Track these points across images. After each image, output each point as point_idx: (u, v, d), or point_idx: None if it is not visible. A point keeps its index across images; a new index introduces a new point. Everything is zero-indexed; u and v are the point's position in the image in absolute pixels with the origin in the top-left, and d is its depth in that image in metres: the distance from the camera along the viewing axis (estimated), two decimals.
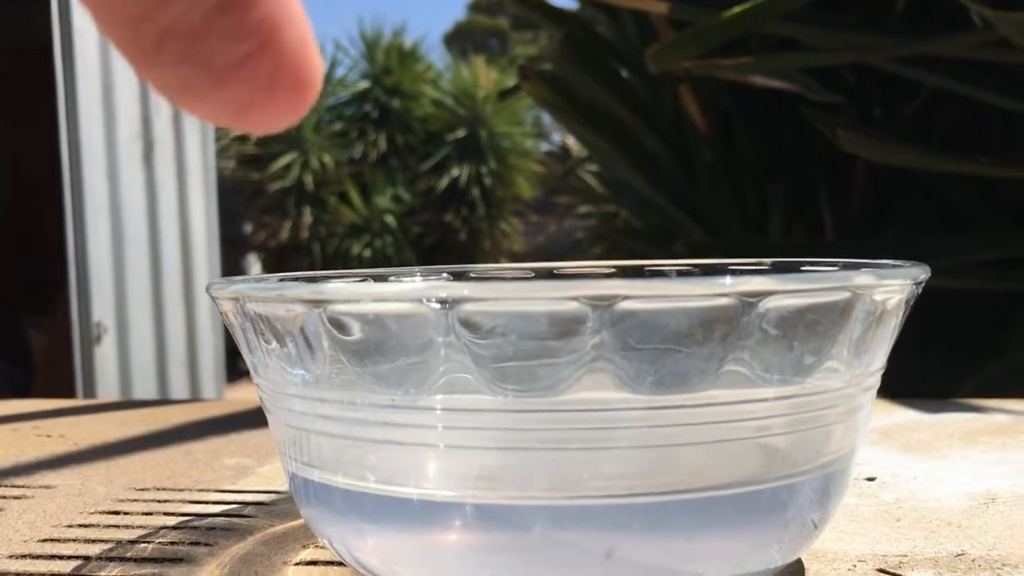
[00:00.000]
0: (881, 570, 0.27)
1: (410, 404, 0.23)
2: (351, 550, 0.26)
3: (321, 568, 0.29)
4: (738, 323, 0.21)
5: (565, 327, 0.21)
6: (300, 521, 0.33)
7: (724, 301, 0.21)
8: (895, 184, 1.12)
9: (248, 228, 6.00)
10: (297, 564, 0.30)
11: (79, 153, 2.22)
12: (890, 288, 0.23)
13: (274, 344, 0.25)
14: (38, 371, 2.27)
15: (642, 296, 0.20)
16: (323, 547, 0.31)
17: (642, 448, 0.22)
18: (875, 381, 0.26)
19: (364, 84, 5.90)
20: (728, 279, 0.21)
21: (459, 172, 5.78)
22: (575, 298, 0.20)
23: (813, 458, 0.24)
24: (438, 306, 0.21)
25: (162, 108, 2.54)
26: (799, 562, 0.28)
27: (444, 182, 5.79)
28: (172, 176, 2.61)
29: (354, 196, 5.73)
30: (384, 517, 0.25)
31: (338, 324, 0.23)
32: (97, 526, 0.34)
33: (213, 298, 0.26)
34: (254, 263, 6.02)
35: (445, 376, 0.22)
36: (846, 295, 0.22)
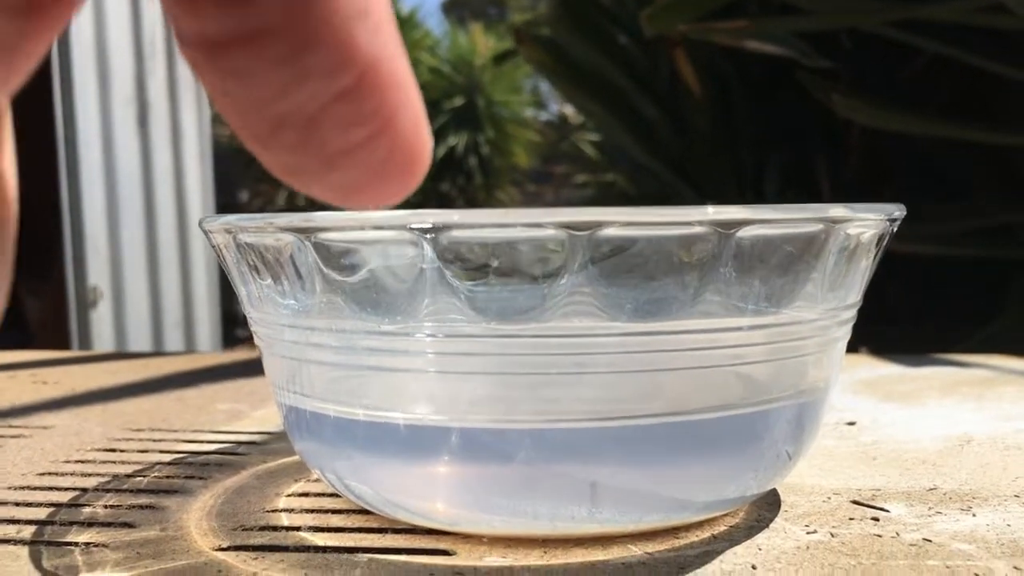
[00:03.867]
0: (855, 502, 0.28)
1: (398, 330, 0.23)
2: (342, 478, 0.27)
3: (313, 499, 0.30)
4: (714, 252, 0.22)
5: (546, 254, 0.22)
6: (293, 459, 0.34)
7: (700, 230, 0.21)
8: (892, 150, 1.13)
9: (244, 195, 5.99)
10: (289, 495, 0.30)
11: (73, 116, 2.21)
12: (864, 222, 0.24)
13: (266, 275, 0.25)
14: (34, 336, 2.28)
15: (621, 223, 0.21)
16: (315, 481, 0.32)
17: (620, 373, 0.23)
18: (850, 316, 0.26)
19: None
20: (705, 208, 0.21)
21: (456, 141, 5.77)
22: (555, 224, 0.21)
23: (788, 388, 0.25)
24: (423, 234, 0.22)
25: (156, 71, 2.53)
26: (775, 494, 0.29)
27: (441, 151, 5.78)
28: (167, 141, 2.60)
29: None
30: (373, 444, 0.26)
31: (327, 252, 0.23)
32: (93, 462, 0.35)
33: (206, 232, 0.27)
34: None
35: (432, 304, 0.23)
36: (820, 227, 0.23)
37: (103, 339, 2.33)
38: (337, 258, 0.23)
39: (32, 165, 2.21)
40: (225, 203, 4.00)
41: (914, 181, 1.15)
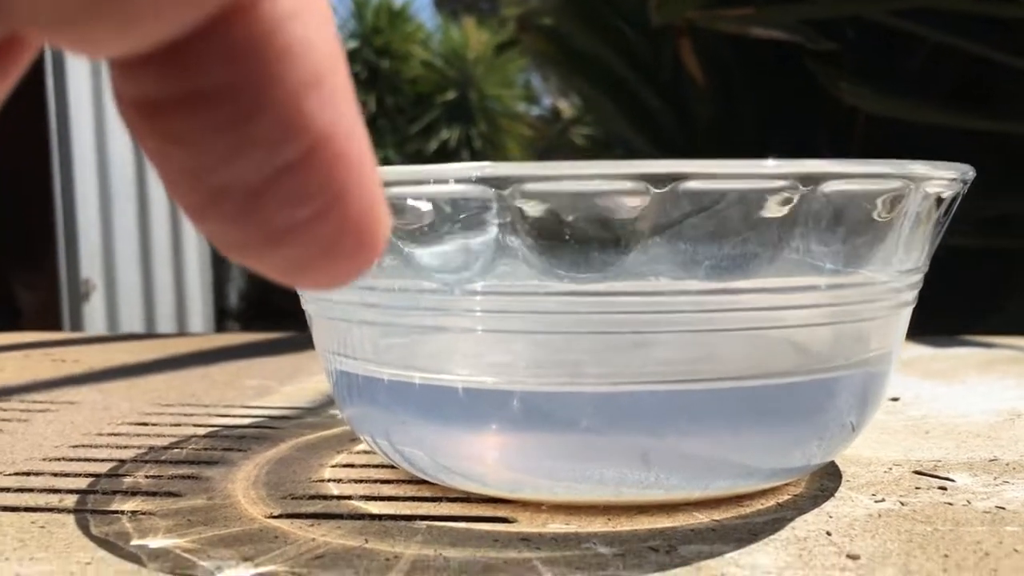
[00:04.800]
0: (918, 472, 0.28)
1: (458, 288, 0.23)
2: (396, 445, 0.26)
3: (359, 469, 0.29)
4: (795, 207, 0.21)
5: (620, 208, 0.21)
6: (331, 432, 0.33)
7: (782, 183, 0.21)
8: (896, 138, 1.12)
9: None
10: (334, 466, 0.30)
11: (66, 108, 2.20)
12: (942, 180, 0.23)
13: None
14: (27, 328, 2.26)
15: (702, 175, 0.20)
16: (358, 452, 0.31)
17: (695, 333, 0.22)
18: (919, 280, 0.26)
19: (353, 43, 5.85)
20: (786, 160, 0.21)
21: (449, 135, 5.75)
22: (633, 176, 0.20)
23: (856, 354, 0.25)
24: (491, 185, 0.21)
25: None
26: (834, 465, 0.29)
27: (434, 145, 5.76)
28: None
29: None
30: (430, 409, 0.25)
31: (392, 209, 0.22)
32: (127, 435, 0.34)
33: None
34: None
35: (497, 260, 0.22)
36: (901, 183, 0.22)
37: (95, 330, 2.32)
38: (396, 213, 0.22)
39: (25, 158, 2.19)
40: None
41: None
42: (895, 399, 0.37)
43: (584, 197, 0.21)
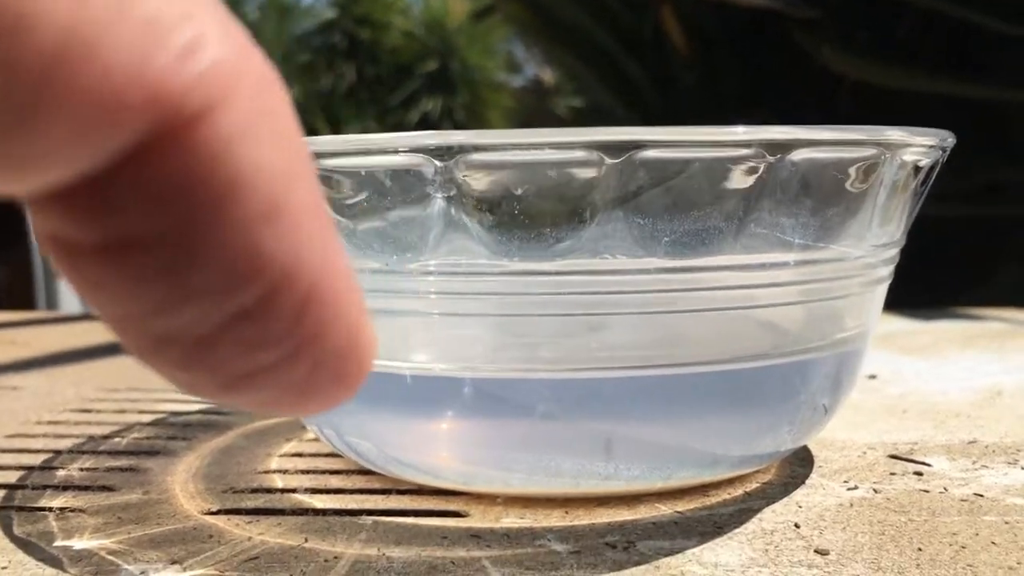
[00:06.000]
0: (893, 456, 0.26)
1: (403, 269, 0.21)
2: (342, 435, 0.24)
3: (308, 459, 0.28)
4: (761, 178, 0.19)
5: (574, 179, 0.19)
6: (282, 419, 0.32)
7: (746, 152, 0.19)
8: (883, 107, 1.11)
9: None
10: (282, 455, 0.28)
11: None
12: (920, 148, 0.22)
13: None
14: (1, 304, 2.23)
15: (661, 143, 0.19)
16: (309, 440, 0.29)
17: (654, 315, 0.21)
18: (894, 255, 0.24)
19: (331, 13, 5.78)
20: (751, 127, 0.19)
21: (430, 105, 5.70)
22: (586, 145, 0.19)
23: (829, 334, 0.23)
24: (435, 157, 0.19)
25: None
26: (805, 449, 0.27)
27: (415, 116, 5.71)
28: None
29: (322, 129, 5.64)
30: (377, 397, 0.23)
31: (325, 182, 0.21)
32: (67, 423, 0.32)
33: None
34: None
35: (443, 238, 0.21)
36: (874, 150, 0.21)
37: (71, 307, 2.29)
38: (334, 187, 0.21)
39: None
40: None
41: None
42: (872, 377, 0.36)
43: (534, 168, 0.19)
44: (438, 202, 0.20)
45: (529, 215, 0.20)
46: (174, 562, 0.20)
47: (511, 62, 6.18)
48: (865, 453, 0.27)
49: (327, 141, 0.20)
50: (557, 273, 0.20)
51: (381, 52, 5.87)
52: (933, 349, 0.41)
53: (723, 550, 0.20)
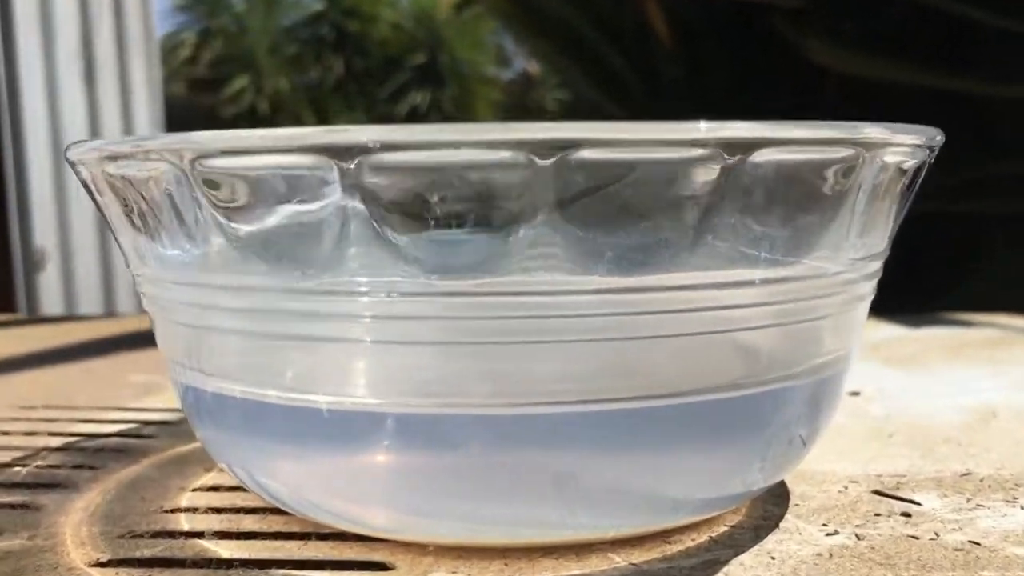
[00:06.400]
0: (878, 492, 0.23)
1: (313, 288, 0.18)
2: (253, 475, 0.22)
3: (224, 494, 0.25)
4: (719, 183, 0.17)
5: (499, 183, 0.16)
6: None
7: (701, 152, 0.16)
8: (869, 102, 1.08)
9: None
10: (195, 490, 0.25)
11: (15, 71, 2.11)
12: (904, 148, 0.19)
13: (147, 220, 0.20)
14: None
15: (601, 142, 0.16)
16: None
17: (598, 342, 0.18)
18: (877, 268, 0.21)
19: (319, 5, 5.73)
20: (707, 124, 0.16)
21: (419, 98, 5.66)
22: (511, 144, 0.16)
23: (805, 360, 0.20)
24: (340, 158, 0.16)
25: (103, 25, 2.42)
26: (781, 484, 0.24)
27: (403, 108, 5.67)
28: (115, 99, 2.49)
29: (310, 123, 5.59)
30: (291, 433, 0.20)
31: (214, 186, 0.18)
32: None
33: (71, 163, 0.21)
34: None
35: (356, 254, 0.18)
36: (851, 151, 0.18)
37: (51, 302, 2.25)
38: (220, 188, 0.18)
39: None
40: None
41: None
42: (855, 393, 0.33)
43: (451, 171, 0.16)
44: (341, 211, 0.17)
45: (448, 226, 0.17)
46: None
47: (500, 55, 6.14)
48: (847, 487, 0.24)
49: (214, 138, 0.17)
50: (479, 294, 0.17)
51: (369, 44, 5.82)
52: (920, 360, 0.38)
53: None
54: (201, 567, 0.20)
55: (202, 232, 0.19)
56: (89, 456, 0.28)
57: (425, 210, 0.17)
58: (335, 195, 0.17)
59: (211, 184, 0.18)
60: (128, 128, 2.53)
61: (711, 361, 0.19)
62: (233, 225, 0.18)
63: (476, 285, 0.17)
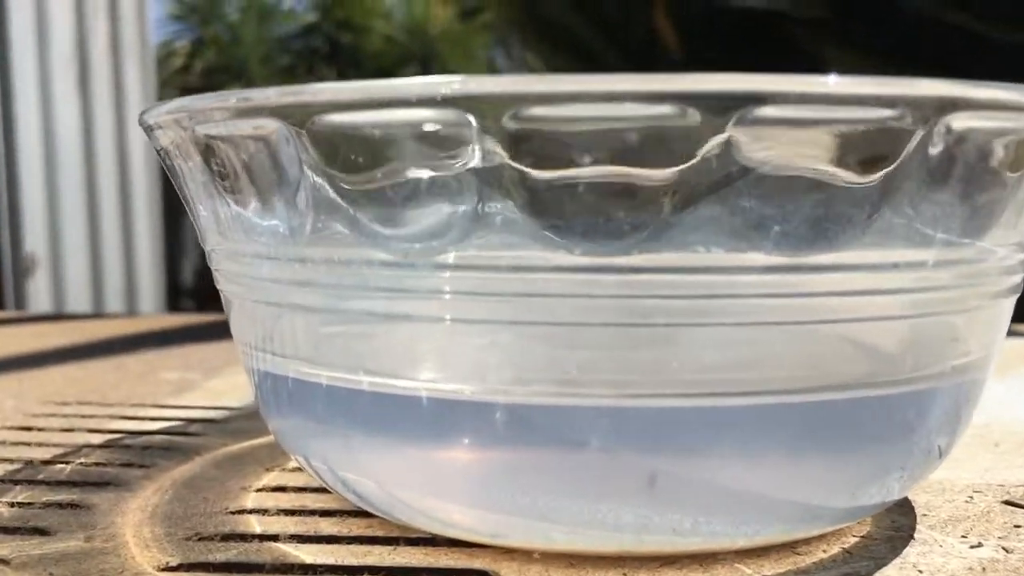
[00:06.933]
0: (1009, 502, 0.22)
1: (423, 262, 0.16)
2: (336, 469, 0.20)
3: (293, 495, 0.23)
4: (907, 148, 0.15)
5: (658, 144, 0.15)
6: (263, 440, 0.27)
7: (890, 113, 0.15)
8: None
9: None
10: (260, 490, 0.23)
11: (8, 73, 2.09)
12: None
13: (239, 186, 0.18)
14: None
15: (781, 96, 0.14)
16: (294, 468, 0.24)
17: (755, 327, 0.16)
18: None
19: (312, 17, 5.72)
20: (899, 79, 0.14)
21: None
22: (678, 97, 0.14)
23: (955, 355, 0.18)
24: (474, 114, 0.14)
25: (99, 30, 2.40)
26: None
27: None
28: (109, 104, 2.47)
29: None
30: (381, 424, 0.18)
31: (328, 145, 0.16)
32: (2, 443, 0.27)
33: (149, 129, 0.19)
34: None
35: (480, 224, 0.16)
36: None
37: (41, 308, 2.22)
38: (331, 154, 0.16)
39: None
40: None
41: None
42: None
43: (606, 130, 0.15)
44: (473, 174, 0.15)
45: (596, 194, 0.15)
46: None
47: (492, 68, 6.14)
48: (972, 498, 0.22)
49: (330, 91, 0.15)
50: (632, 270, 0.15)
51: (362, 56, 5.81)
52: (1005, 367, 0.36)
53: None
54: (282, 573, 0.18)
55: (304, 197, 0.17)
56: (136, 454, 0.26)
57: (571, 176, 0.15)
58: (467, 154, 0.15)
59: (323, 143, 0.16)
60: (121, 136, 2.50)
61: (869, 352, 0.17)
62: (344, 189, 0.16)
63: (624, 261, 0.15)
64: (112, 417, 0.30)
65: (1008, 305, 0.20)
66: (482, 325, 0.17)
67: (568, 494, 0.18)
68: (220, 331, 0.47)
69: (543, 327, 0.17)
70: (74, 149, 2.34)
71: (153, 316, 0.51)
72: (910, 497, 0.22)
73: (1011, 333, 0.44)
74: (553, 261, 0.15)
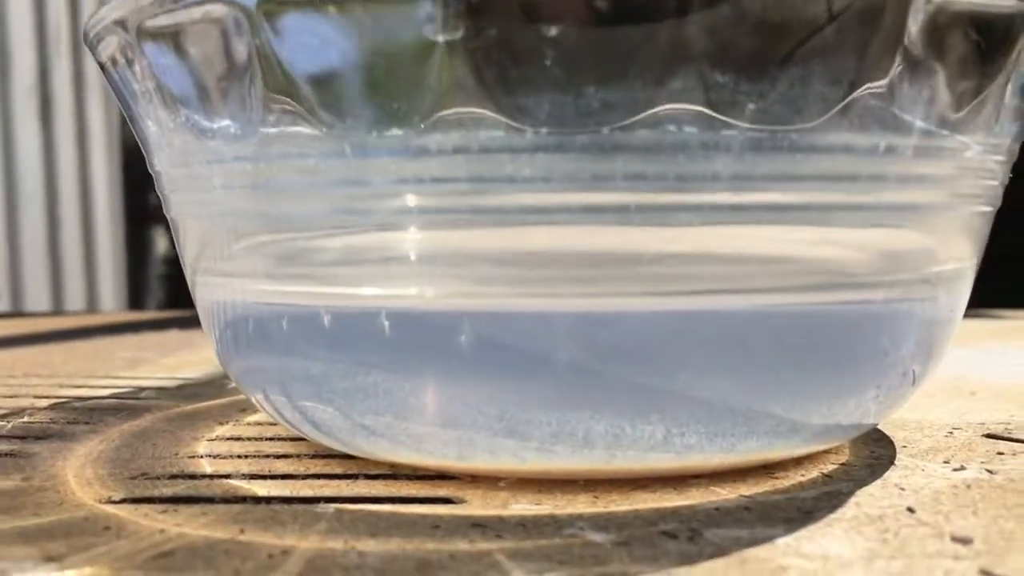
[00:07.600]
0: (990, 435, 0.21)
1: (386, 150, 0.15)
2: (295, 399, 0.18)
3: (246, 443, 0.22)
4: (889, 24, 0.14)
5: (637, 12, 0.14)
6: (219, 400, 0.26)
7: None
8: None
9: (155, 200, 5.78)
10: (212, 440, 0.22)
11: None
12: None
13: (187, 85, 0.17)
14: None
15: None
16: (250, 423, 0.23)
17: (726, 213, 0.15)
18: (1007, 170, 0.19)
19: None
20: None
21: None
22: None
23: (932, 263, 0.18)
24: None
25: (61, 62, 2.38)
26: (878, 430, 0.22)
27: None
28: (72, 139, 2.44)
29: None
30: (342, 341, 0.17)
31: (281, 34, 0.15)
32: None
33: (93, 43, 0.18)
34: (161, 237, 5.80)
35: (445, 103, 0.15)
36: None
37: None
38: (295, 37, 0.15)
39: None
40: (135, 206, 3.82)
41: None
42: None
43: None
44: (438, 47, 0.14)
45: (564, 66, 0.14)
46: (49, 559, 0.14)
47: None
48: (952, 433, 0.21)
49: None
50: (595, 150, 0.15)
51: None
52: (968, 341, 0.36)
53: (826, 539, 0.15)
54: (234, 503, 0.17)
55: (257, 90, 0.16)
56: (83, 413, 0.25)
57: (540, 49, 0.14)
58: (429, 25, 0.14)
59: (278, 30, 0.15)
60: (84, 169, 2.47)
61: (852, 250, 0.16)
62: (301, 78, 0.15)
63: (589, 140, 0.15)
64: (61, 385, 0.28)
65: (983, 221, 0.19)
66: (444, 221, 0.16)
67: (536, 406, 0.17)
68: (186, 323, 0.46)
69: (506, 217, 0.16)
70: (36, 185, 2.30)
71: (113, 312, 0.50)
72: (888, 434, 0.22)
73: (981, 315, 0.44)
74: (510, 143, 0.15)
